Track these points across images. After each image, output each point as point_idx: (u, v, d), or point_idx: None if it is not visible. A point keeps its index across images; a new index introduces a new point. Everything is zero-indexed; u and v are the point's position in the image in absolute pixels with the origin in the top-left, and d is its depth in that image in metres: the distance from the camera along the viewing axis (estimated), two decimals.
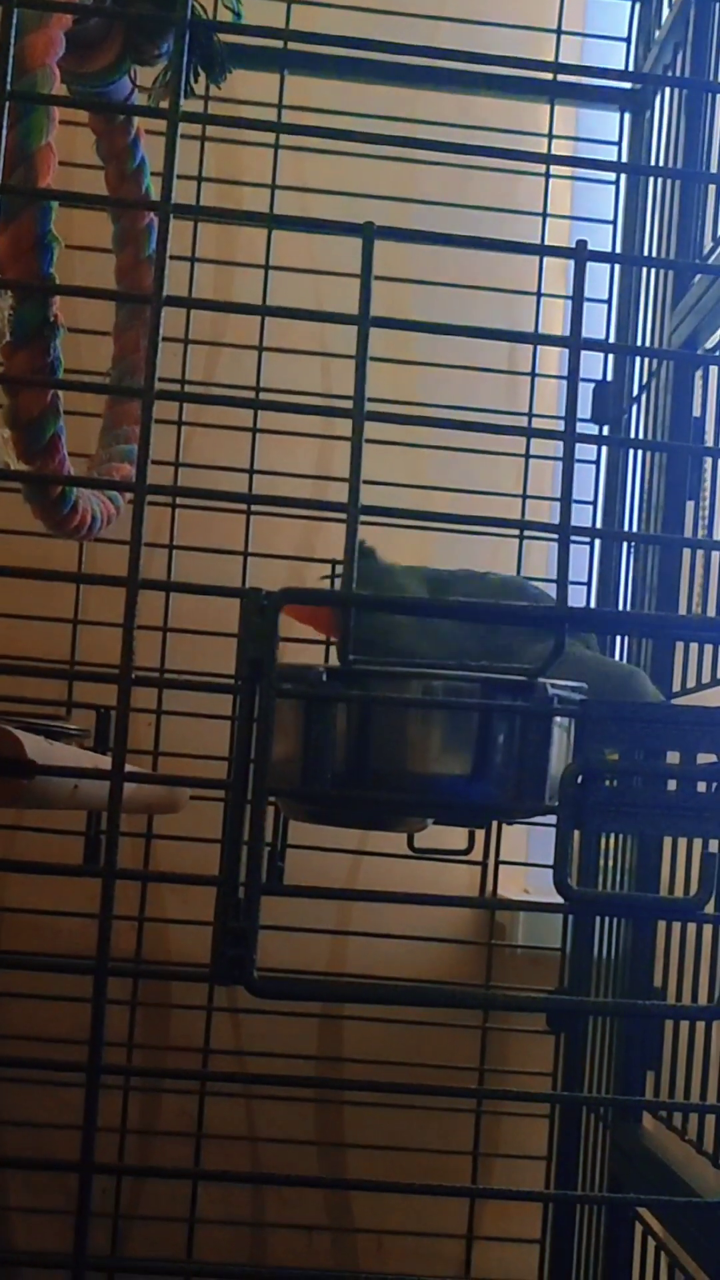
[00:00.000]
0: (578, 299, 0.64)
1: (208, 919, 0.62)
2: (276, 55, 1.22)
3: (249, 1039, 1.40)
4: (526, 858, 1.40)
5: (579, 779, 0.63)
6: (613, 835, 1.11)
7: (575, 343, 0.65)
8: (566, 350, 0.65)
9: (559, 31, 1.29)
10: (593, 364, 1.21)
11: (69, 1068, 0.63)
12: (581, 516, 1.25)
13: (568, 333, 0.64)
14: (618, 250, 1.24)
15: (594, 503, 1.25)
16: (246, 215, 1.26)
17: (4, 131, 0.59)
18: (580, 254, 0.65)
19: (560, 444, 0.64)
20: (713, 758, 0.64)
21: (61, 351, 0.78)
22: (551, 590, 0.78)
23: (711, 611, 0.91)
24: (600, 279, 1.25)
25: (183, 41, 0.62)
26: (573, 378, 0.64)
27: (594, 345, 0.70)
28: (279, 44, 1.19)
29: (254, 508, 1.26)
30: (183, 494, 0.81)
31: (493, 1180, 1.37)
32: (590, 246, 0.65)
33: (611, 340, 1.24)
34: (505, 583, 0.86)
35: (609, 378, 1.18)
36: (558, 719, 0.68)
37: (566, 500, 0.63)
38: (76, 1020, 0.95)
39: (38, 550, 1.08)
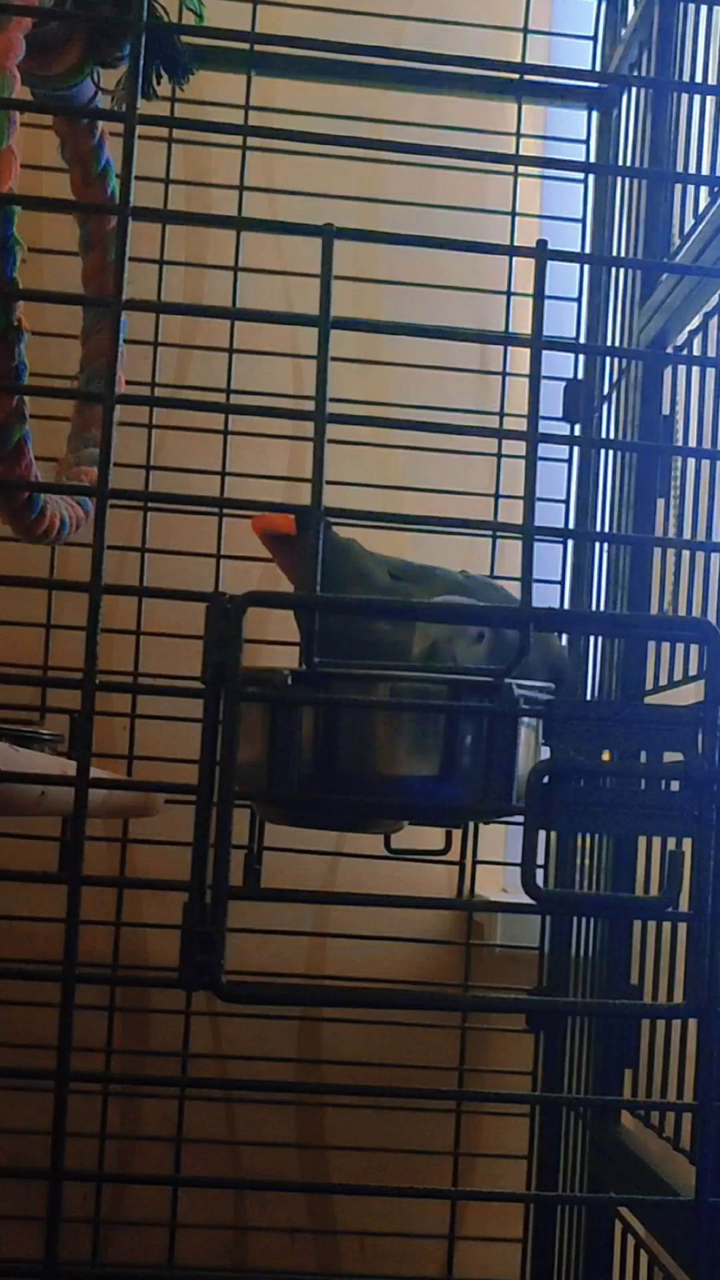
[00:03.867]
0: (539, 298, 0.64)
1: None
2: (243, 57, 1.21)
3: (228, 1042, 1.40)
4: (504, 857, 1.40)
5: (545, 779, 0.63)
6: (589, 834, 1.11)
7: (537, 343, 0.65)
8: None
9: (525, 31, 1.29)
10: (564, 363, 1.21)
11: (39, 1075, 0.62)
12: (554, 516, 1.25)
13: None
14: (588, 249, 1.24)
15: (566, 502, 1.25)
16: (209, 218, 1.26)
17: None
18: (541, 254, 0.65)
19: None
20: (680, 756, 0.64)
21: (26, 356, 0.78)
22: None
23: (682, 610, 0.91)
24: (570, 278, 1.25)
25: (140, 44, 0.62)
26: (535, 377, 0.65)
27: (557, 345, 0.70)
28: (245, 46, 1.19)
29: (226, 510, 1.26)
30: (149, 499, 0.81)
31: (474, 1179, 1.36)
32: (560, 245, 0.65)
33: (582, 339, 1.24)
34: (470, 584, 0.85)
35: (579, 377, 1.18)
36: (525, 719, 0.68)
37: (530, 500, 0.63)
38: (51, 1027, 0.95)
39: (10, 555, 1.07)
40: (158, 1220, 1.34)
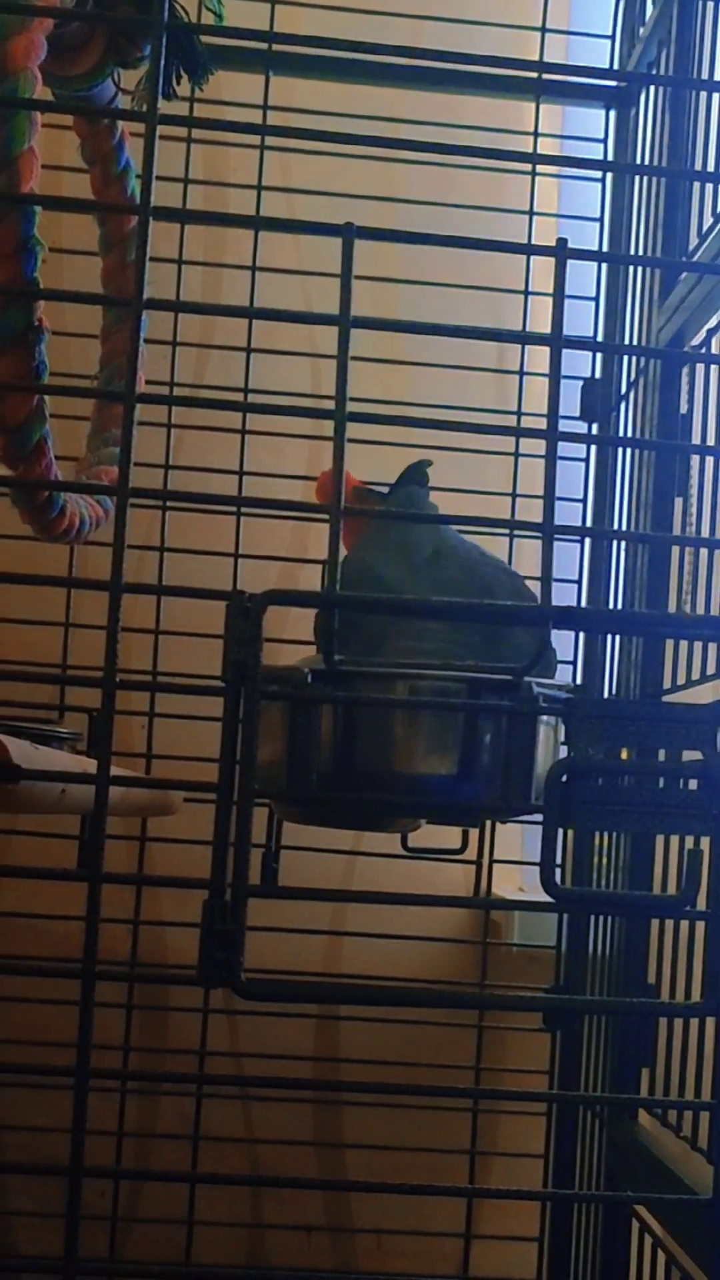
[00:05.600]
0: (559, 298, 0.65)
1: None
2: (261, 56, 1.21)
3: (246, 1040, 1.40)
4: (521, 856, 1.40)
5: (564, 777, 0.63)
6: (607, 833, 1.11)
7: (557, 341, 0.65)
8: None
9: (544, 30, 1.29)
10: (582, 362, 1.21)
11: (59, 1072, 0.63)
12: (571, 515, 1.25)
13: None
14: (605, 248, 1.24)
15: (583, 500, 1.25)
16: (229, 218, 1.26)
17: None
18: (561, 252, 0.65)
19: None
20: (699, 755, 0.64)
21: (47, 356, 0.78)
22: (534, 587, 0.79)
23: (700, 609, 0.91)
24: (588, 277, 1.25)
25: (160, 44, 0.63)
26: (554, 376, 0.65)
27: (576, 344, 0.70)
28: (263, 45, 1.19)
29: (244, 509, 1.26)
30: (168, 498, 0.81)
31: (491, 1178, 1.37)
32: (579, 244, 0.65)
33: (599, 338, 1.24)
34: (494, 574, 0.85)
35: (597, 376, 1.18)
36: (544, 717, 0.69)
37: (550, 499, 0.64)
38: (70, 1025, 0.95)
39: (29, 553, 1.08)
40: (175, 1218, 1.34)
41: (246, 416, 1.26)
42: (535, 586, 1.38)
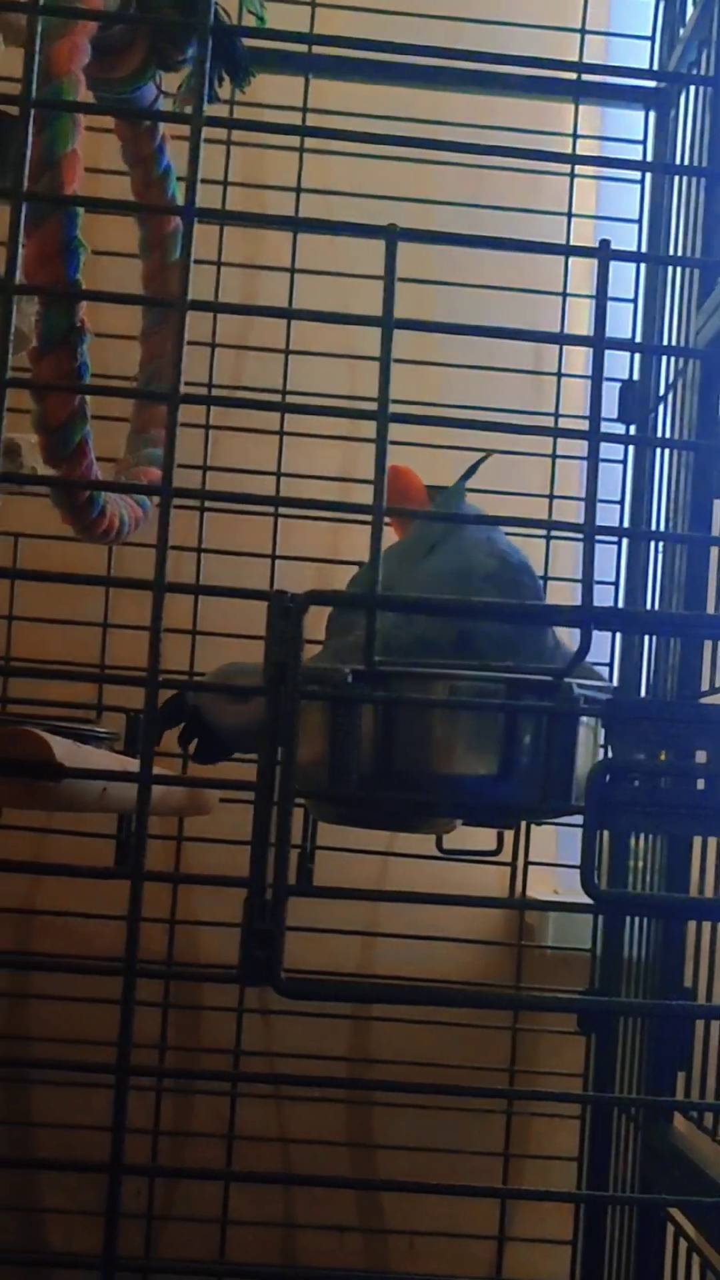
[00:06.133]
0: (601, 299, 0.64)
1: (239, 921, 0.62)
2: (300, 59, 1.22)
3: (279, 1040, 1.40)
4: (556, 858, 1.40)
5: (605, 778, 0.63)
6: (642, 835, 1.11)
7: (599, 342, 0.65)
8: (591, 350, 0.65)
9: (583, 31, 1.29)
10: (619, 363, 1.21)
11: (99, 1069, 0.63)
12: (608, 516, 1.24)
13: (592, 333, 0.64)
14: (643, 249, 1.24)
15: (620, 502, 1.25)
16: (270, 219, 1.26)
17: (30, 138, 0.60)
18: (603, 253, 0.65)
19: (586, 444, 0.64)
20: None
21: (89, 356, 0.79)
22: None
23: None
24: (626, 278, 1.25)
25: (206, 47, 0.63)
26: (597, 377, 0.64)
27: (618, 345, 0.70)
28: (303, 48, 1.19)
29: (281, 510, 1.26)
30: (209, 498, 0.81)
31: (524, 1181, 1.36)
32: (616, 245, 0.65)
33: (637, 339, 1.23)
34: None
35: (635, 377, 1.18)
36: (584, 718, 0.69)
37: (591, 500, 0.63)
38: (110, 1022, 0.95)
39: (67, 554, 1.08)
40: (208, 1217, 1.34)
41: (284, 417, 1.26)
42: (575, 588, 1.38)
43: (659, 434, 1.14)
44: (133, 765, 0.83)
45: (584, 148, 1.33)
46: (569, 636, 0.83)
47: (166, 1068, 1.35)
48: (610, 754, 0.66)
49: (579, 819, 0.66)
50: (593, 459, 0.64)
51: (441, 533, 0.88)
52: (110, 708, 1.23)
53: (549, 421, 1.31)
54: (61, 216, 0.74)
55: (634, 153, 1.28)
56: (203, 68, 0.62)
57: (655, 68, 1.23)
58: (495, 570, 0.84)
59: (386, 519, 0.61)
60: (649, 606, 1.15)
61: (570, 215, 1.30)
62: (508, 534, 0.90)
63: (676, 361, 1.11)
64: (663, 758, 0.82)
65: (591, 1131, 1.24)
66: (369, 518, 0.63)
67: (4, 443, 0.63)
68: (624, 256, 0.67)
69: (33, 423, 0.78)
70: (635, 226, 1.27)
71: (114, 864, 1.08)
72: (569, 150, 1.28)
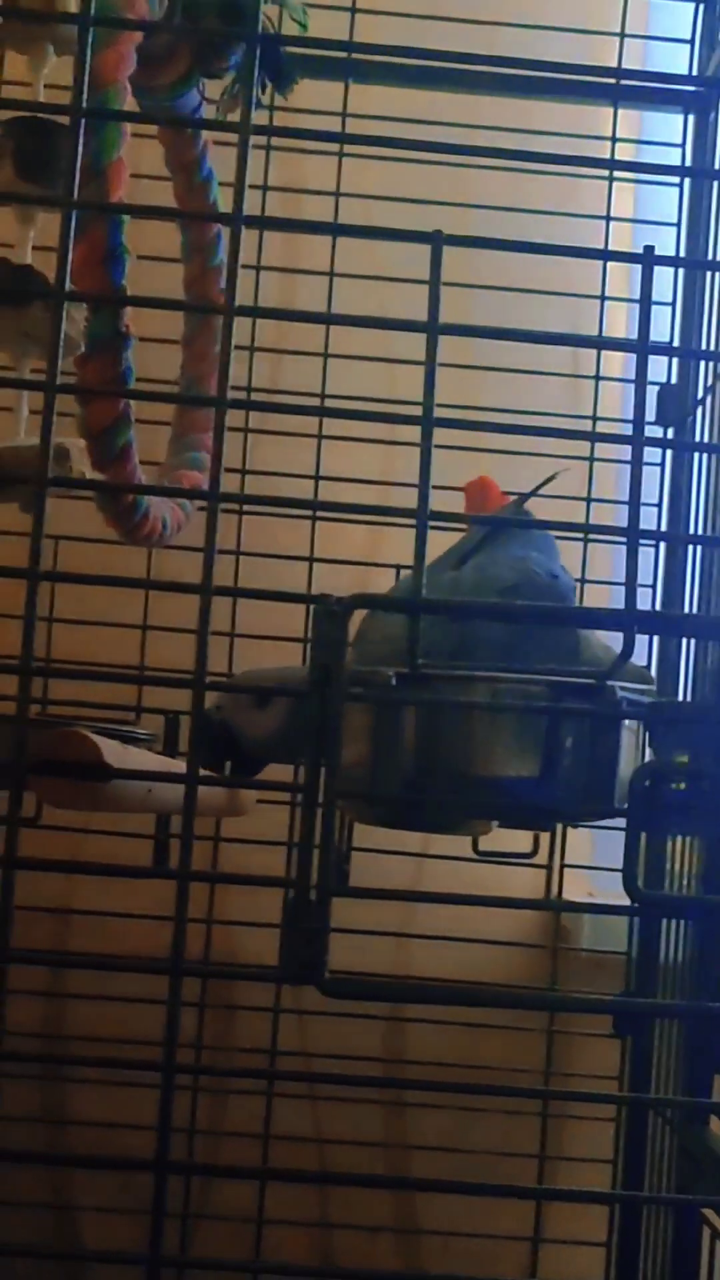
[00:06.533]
0: (644, 304, 0.65)
1: (274, 921, 0.63)
2: (340, 65, 1.22)
3: (314, 1041, 1.41)
4: (591, 861, 1.40)
5: (648, 781, 0.64)
6: (679, 838, 1.11)
7: (642, 347, 0.65)
8: (630, 354, 0.65)
9: (622, 35, 1.29)
10: (657, 367, 1.21)
11: (146, 1067, 0.63)
12: (646, 519, 1.24)
13: (632, 336, 0.65)
14: (682, 253, 1.24)
15: (659, 505, 1.25)
16: (315, 225, 1.27)
17: (79, 148, 0.60)
18: (647, 259, 0.65)
19: (625, 447, 0.64)
20: None
21: (133, 361, 0.80)
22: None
23: None
24: (664, 282, 1.25)
25: (252, 55, 0.63)
26: (640, 382, 0.65)
27: (661, 350, 0.70)
28: (343, 54, 1.20)
29: (320, 513, 1.27)
30: (253, 502, 0.82)
31: (558, 1183, 1.36)
32: (655, 249, 0.65)
33: (676, 343, 1.23)
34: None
35: (673, 380, 1.18)
36: (627, 721, 0.69)
37: (635, 504, 0.64)
38: (142, 1021, 0.96)
39: (105, 557, 1.09)
40: (243, 1216, 1.35)
41: (323, 421, 1.27)
42: (611, 591, 1.37)
43: (697, 437, 1.14)
44: (175, 766, 0.84)
45: (622, 152, 1.33)
46: (590, 640, 0.84)
47: (206, 1065, 1.36)
48: (652, 757, 0.66)
49: (616, 821, 0.67)
50: (636, 463, 0.64)
51: (480, 544, 0.88)
52: (149, 709, 1.24)
53: (586, 425, 1.31)
54: (107, 223, 0.75)
55: (673, 156, 1.28)
56: (249, 76, 0.63)
57: (694, 71, 1.23)
58: (511, 586, 0.85)
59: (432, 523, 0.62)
60: (687, 610, 1.15)
61: (608, 219, 1.30)
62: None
63: (714, 365, 1.12)
64: (683, 760, 0.82)
65: (627, 1133, 1.25)
66: (411, 522, 0.64)
67: (54, 447, 0.64)
68: (667, 261, 0.68)
69: (78, 427, 0.79)
70: (674, 230, 1.27)
71: (151, 864, 1.08)
72: (607, 154, 1.28)
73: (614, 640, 0.88)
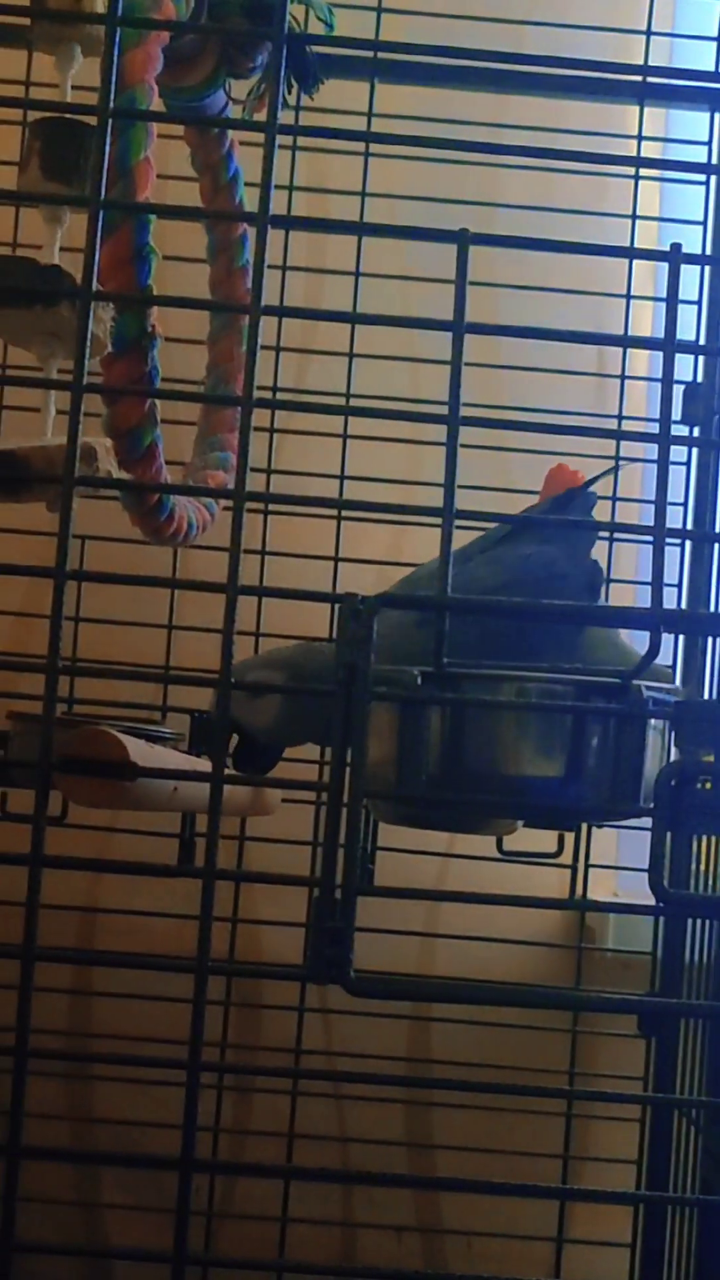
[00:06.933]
0: (671, 302, 0.65)
1: (299, 920, 0.63)
2: (366, 64, 1.22)
3: (339, 1040, 1.41)
4: (617, 861, 1.39)
5: (673, 781, 0.63)
6: (705, 837, 1.10)
7: (668, 346, 0.65)
8: (656, 353, 0.65)
9: (648, 33, 1.29)
10: (683, 365, 1.21)
11: (171, 1065, 0.64)
12: (671, 518, 1.24)
13: (658, 335, 0.65)
14: (708, 251, 1.23)
15: (684, 504, 1.24)
16: (341, 225, 1.27)
17: (106, 148, 0.61)
18: (674, 257, 0.65)
19: (651, 446, 0.64)
20: None
21: (159, 361, 0.80)
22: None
23: None
24: (691, 280, 1.25)
25: (279, 55, 0.64)
26: (666, 381, 0.65)
27: (687, 348, 0.70)
28: (369, 53, 1.20)
29: (344, 513, 1.27)
30: (279, 501, 0.82)
31: (582, 1184, 1.36)
32: (681, 247, 0.65)
33: (702, 341, 1.23)
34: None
35: (700, 379, 1.18)
36: (652, 721, 0.69)
37: (661, 503, 0.64)
38: (167, 1020, 0.96)
39: (131, 556, 1.10)
40: (267, 1215, 1.35)
41: (348, 420, 1.27)
42: (636, 590, 1.37)
43: None
44: (201, 765, 0.84)
45: (648, 150, 1.33)
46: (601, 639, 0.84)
47: (232, 1064, 1.36)
48: (678, 756, 0.66)
49: (641, 821, 0.67)
50: (662, 462, 0.64)
51: (494, 540, 0.88)
52: (174, 708, 1.24)
53: (612, 424, 1.31)
54: (134, 224, 0.76)
55: (697, 154, 1.27)
56: (275, 76, 0.63)
57: None
58: (499, 586, 0.84)
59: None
60: (713, 608, 1.14)
61: (634, 217, 1.30)
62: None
63: None
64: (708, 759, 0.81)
65: (651, 1134, 1.24)
66: (436, 521, 0.64)
67: (81, 447, 0.64)
68: (694, 259, 0.67)
69: (104, 427, 0.80)
70: (700, 228, 1.26)
71: (177, 863, 1.09)
72: (633, 152, 1.28)
73: (635, 639, 0.88)
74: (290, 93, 0.90)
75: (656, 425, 0.64)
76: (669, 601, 1.23)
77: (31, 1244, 0.59)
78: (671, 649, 1.23)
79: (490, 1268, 1.42)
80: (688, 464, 1.23)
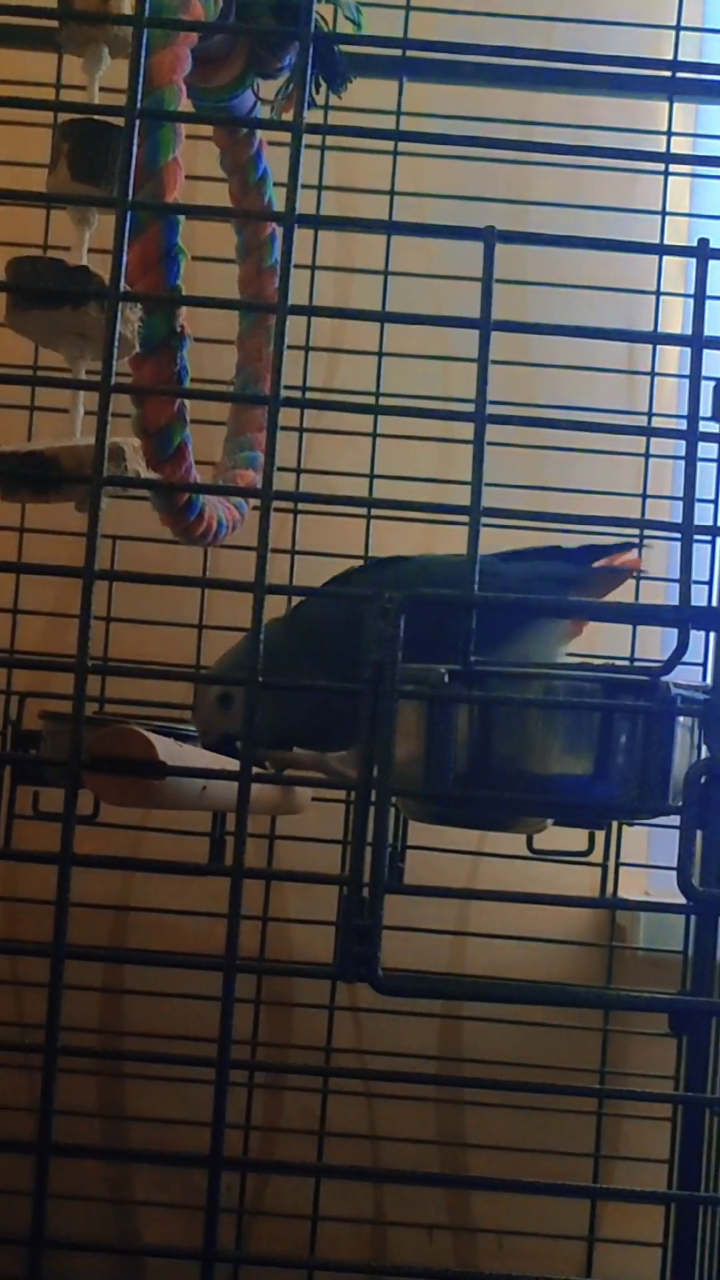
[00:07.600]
0: (699, 298, 0.65)
1: (329, 918, 0.63)
2: (395, 63, 1.22)
3: (369, 1038, 1.41)
4: (647, 859, 1.39)
5: (703, 778, 0.63)
6: None
7: (697, 342, 0.65)
8: (686, 349, 0.65)
9: (678, 28, 1.29)
10: (712, 362, 1.20)
11: (201, 1063, 0.64)
12: (701, 515, 1.24)
13: (687, 331, 0.64)
14: None
15: (714, 501, 1.24)
16: (369, 223, 1.27)
17: (135, 148, 0.61)
18: (703, 252, 0.65)
19: (680, 443, 0.64)
20: None
21: (188, 360, 0.80)
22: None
23: None
24: (716, 276, 1.24)
25: (306, 54, 0.64)
26: (695, 376, 0.65)
27: (717, 344, 0.70)
28: (398, 52, 1.20)
29: (374, 512, 1.27)
30: (307, 500, 0.82)
31: (613, 1183, 1.36)
32: (710, 243, 0.65)
33: None
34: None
35: None
36: (681, 718, 0.68)
37: (690, 499, 0.64)
38: (198, 1018, 0.97)
39: (161, 556, 1.10)
40: (298, 1213, 1.35)
41: (378, 420, 1.27)
42: (663, 587, 1.36)
43: None
44: (229, 764, 0.84)
45: (678, 145, 1.32)
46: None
47: (262, 1061, 1.36)
48: (708, 754, 0.66)
49: (671, 819, 0.66)
50: (690, 459, 0.64)
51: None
52: None
53: (642, 421, 1.30)
54: (163, 224, 0.76)
55: None
56: (303, 75, 0.63)
57: None
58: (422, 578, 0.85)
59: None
60: None
61: (664, 214, 1.30)
62: (597, 533, 0.90)
63: None
64: None
65: (683, 1133, 1.24)
66: (465, 518, 0.63)
67: (109, 447, 0.64)
68: None
69: (134, 427, 0.80)
70: None
71: (208, 861, 1.09)
72: (662, 148, 1.27)
73: (616, 636, 0.88)
74: (318, 92, 0.90)
75: (685, 422, 0.64)
76: (698, 598, 1.23)
77: (62, 1240, 0.59)
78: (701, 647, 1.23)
79: (521, 1267, 1.41)
80: (718, 461, 1.23)
